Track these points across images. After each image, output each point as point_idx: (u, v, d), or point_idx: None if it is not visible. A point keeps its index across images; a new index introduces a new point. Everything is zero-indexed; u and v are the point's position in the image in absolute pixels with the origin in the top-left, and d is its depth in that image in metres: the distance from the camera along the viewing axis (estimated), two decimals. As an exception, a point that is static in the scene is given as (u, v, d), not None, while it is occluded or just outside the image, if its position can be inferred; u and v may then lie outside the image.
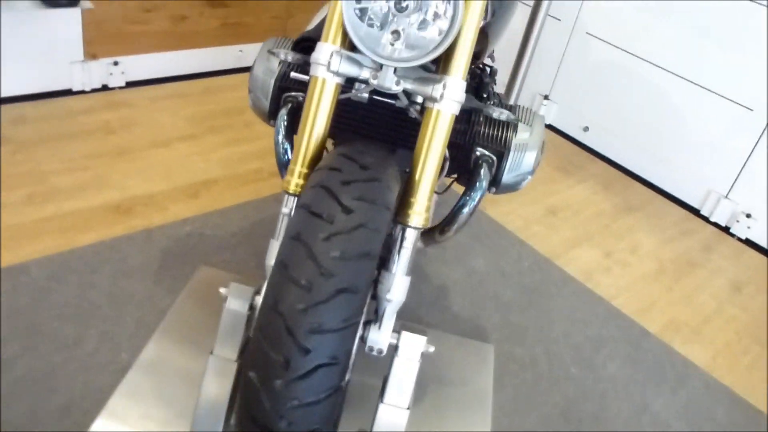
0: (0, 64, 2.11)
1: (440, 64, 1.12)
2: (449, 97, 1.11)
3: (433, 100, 1.11)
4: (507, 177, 1.48)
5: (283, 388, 0.87)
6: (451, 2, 1.00)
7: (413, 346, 1.17)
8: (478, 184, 1.44)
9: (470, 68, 1.54)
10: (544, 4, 2.55)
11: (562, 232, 2.24)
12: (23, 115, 2.17)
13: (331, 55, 1.11)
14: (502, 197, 2.34)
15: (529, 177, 1.54)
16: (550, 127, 2.90)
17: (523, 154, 1.47)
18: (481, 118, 1.51)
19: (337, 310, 0.88)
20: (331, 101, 1.17)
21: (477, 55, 1.42)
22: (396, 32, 1.06)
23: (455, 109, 1.13)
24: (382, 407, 1.19)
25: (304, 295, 0.88)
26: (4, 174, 1.91)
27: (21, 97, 2.23)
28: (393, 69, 1.10)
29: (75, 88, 2.35)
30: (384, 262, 1.14)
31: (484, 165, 1.46)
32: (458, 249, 2.03)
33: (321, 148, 1.15)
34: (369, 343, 1.18)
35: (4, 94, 2.18)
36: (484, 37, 1.36)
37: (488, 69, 1.64)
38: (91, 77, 2.36)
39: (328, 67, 1.12)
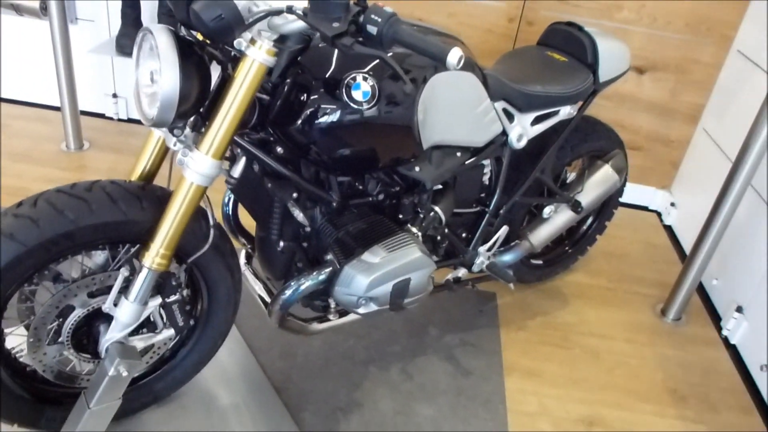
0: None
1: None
2: (189, 166, 1.37)
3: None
4: (336, 290, 1.56)
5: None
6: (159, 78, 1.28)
7: (111, 361, 1.45)
8: (303, 279, 1.57)
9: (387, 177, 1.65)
10: (743, 173, 2.10)
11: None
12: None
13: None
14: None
15: (372, 305, 1.58)
16: (730, 348, 2.31)
17: (356, 276, 1.53)
18: (352, 227, 1.62)
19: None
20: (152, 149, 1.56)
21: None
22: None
23: (197, 180, 1.39)
24: (82, 395, 1.49)
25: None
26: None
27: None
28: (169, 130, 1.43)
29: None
30: None
31: (327, 270, 1.58)
32: (423, 389, 1.98)
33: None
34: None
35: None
36: (401, 137, 1.51)
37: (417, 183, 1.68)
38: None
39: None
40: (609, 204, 2.42)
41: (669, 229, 2.99)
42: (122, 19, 2.89)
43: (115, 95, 3.21)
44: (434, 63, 1.57)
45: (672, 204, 2.97)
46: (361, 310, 1.57)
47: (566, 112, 1.95)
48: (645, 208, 3.12)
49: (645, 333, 2.36)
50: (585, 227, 2.47)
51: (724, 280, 2.44)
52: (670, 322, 2.42)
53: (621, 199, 3.00)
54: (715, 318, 2.47)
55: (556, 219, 2.10)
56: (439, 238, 1.79)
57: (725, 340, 2.37)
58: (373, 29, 1.23)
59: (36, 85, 3.22)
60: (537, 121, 1.91)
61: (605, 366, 2.18)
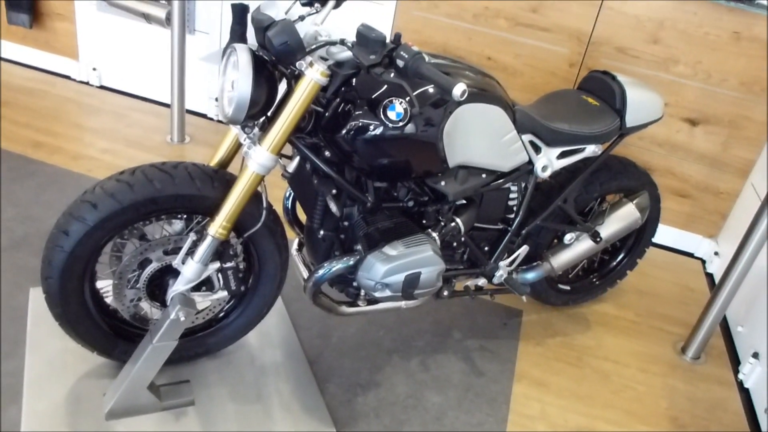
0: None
1: (264, 135, 1.79)
2: (252, 157, 1.78)
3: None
4: (359, 275, 1.91)
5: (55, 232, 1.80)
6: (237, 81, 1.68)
7: (173, 307, 1.86)
8: (334, 261, 1.93)
9: (413, 187, 1.97)
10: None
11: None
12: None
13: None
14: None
15: (387, 291, 1.92)
16: (743, 392, 2.47)
17: (375, 263, 1.88)
18: (381, 225, 1.97)
19: (83, 211, 1.76)
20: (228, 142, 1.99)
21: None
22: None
23: (257, 169, 1.79)
24: (148, 332, 1.91)
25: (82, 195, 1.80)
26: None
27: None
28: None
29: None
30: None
31: (354, 257, 1.94)
32: (437, 380, 2.28)
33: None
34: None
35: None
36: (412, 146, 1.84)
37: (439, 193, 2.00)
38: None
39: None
40: (641, 242, 2.64)
41: (710, 276, 3.15)
42: (230, 34, 3.41)
43: (217, 99, 3.71)
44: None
45: (716, 253, 3.14)
46: (378, 294, 1.91)
47: (591, 150, 2.22)
48: (691, 255, 3.29)
49: (660, 365, 2.56)
50: (615, 262, 2.70)
51: (748, 327, 2.60)
52: (688, 359, 2.60)
53: (667, 243, 3.20)
54: (736, 363, 2.63)
55: (577, 246, 2.37)
56: (455, 244, 2.10)
57: (740, 384, 2.53)
58: (400, 63, 1.60)
59: (153, 83, 3.81)
60: (563, 155, 2.20)
61: (612, 387, 2.41)
